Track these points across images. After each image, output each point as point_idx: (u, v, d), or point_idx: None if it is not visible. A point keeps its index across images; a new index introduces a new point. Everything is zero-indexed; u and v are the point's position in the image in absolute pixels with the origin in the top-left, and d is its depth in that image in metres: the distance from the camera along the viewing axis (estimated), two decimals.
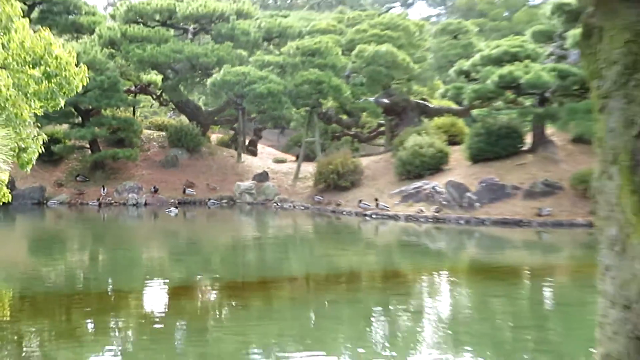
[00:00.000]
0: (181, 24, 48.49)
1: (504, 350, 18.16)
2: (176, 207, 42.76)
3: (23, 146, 20.43)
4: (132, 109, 49.53)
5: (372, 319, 22.07)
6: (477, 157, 40.29)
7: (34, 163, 19.17)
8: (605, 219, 4.88)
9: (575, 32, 34.67)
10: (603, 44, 4.83)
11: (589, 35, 4.91)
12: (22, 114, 19.92)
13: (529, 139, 41.82)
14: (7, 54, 19.22)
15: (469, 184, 38.52)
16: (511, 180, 38.15)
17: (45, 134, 19.92)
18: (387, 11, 76.57)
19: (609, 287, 4.85)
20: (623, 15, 4.74)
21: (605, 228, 4.88)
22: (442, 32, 54.50)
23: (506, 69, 39.36)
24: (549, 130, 41.52)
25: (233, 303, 23.94)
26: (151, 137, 48.12)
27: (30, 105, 20.06)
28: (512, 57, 40.68)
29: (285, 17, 56.53)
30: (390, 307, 23.57)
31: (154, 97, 50.49)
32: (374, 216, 39.31)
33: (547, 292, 25.11)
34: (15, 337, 19.23)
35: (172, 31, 47.84)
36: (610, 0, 4.78)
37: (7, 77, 19.46)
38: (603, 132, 4.89)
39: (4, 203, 17.46)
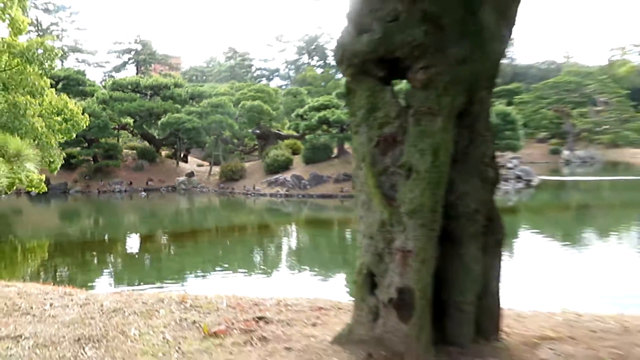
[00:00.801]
0: (143, 90, 47.30)
1: (325, 266, 18.42)
2: (144, 192, 42.10)
3: (52, 160, 20.06)
4: (117, 138, 48.05)
5: (254, 251, 22.12)
6: (308, 161, 40.39)
7: (58, 169, 19.11)
8: (359, 191, 4.96)
9: None
10: (356, 98, 4.90)
11: (349, 93, 4.98)
12: (51, 142, 19.66)
13: (335, 151, 42.15)
14: (42, 108, 19.25)
15: (304, 175, 38.69)
16: (326, 173, 38.48)
17: (66, 153, 20.14)
18: (258, 82, 75.98)
19: (362, 227, 4.94)
20: (364, 82, 4.81)
21: (360, 196, 4.96)
22: (287, 93, 54.73)
23: (322, 113, 39.75)
24: (346, 145, 42.07)
25: (176, 244, 23.68)
26: (128, 154, 46.95)
27: (55, 137, 19.83)
28: (325, 107, 41.01)
29: (202, 86, 55.89)
30: (263, 244, 23.66)
31: (129, 131, 49.21)
32: (252, 195, 39.16)
33: (347, 233, 25.48)
34: (51, 268, 18.78)
35: (138, 94, 46.61)
36: (357, 75, 4.85)
37: (42, 121, 19.19)
38: (357, 145, 4.97)
39: (43, 192, 17.44)
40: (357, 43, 4.76)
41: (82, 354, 4.66)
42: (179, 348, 4.85)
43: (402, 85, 5.41)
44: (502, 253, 5.34)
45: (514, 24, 5.11)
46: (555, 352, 4.90)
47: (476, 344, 4.96)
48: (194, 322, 5.60)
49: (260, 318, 5.74)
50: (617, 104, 65.64)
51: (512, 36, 5.22)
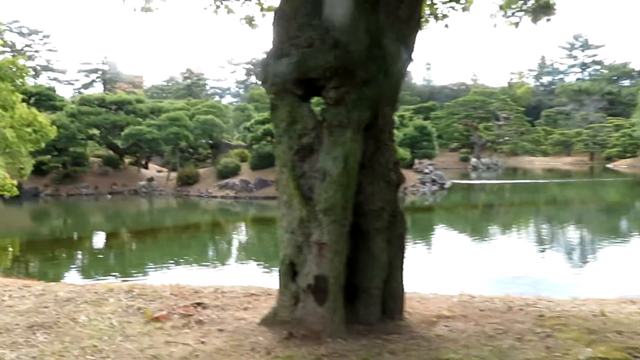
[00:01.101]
0: (108, 105, 45.93)
1: (269, 257, 18.19)
2: (109, 195, 40.93)
3: (22, 167, 19.50)
4: (84, 147, 46.46)
5: (208, 245, 21.85)
6: (254, 167, 39.49)
7: (30, 175, 18.65)
8: (282, 192, 4.97)
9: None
10: (278, 112, 4.91)
11: (273, 108, 4.98)
12: (21, 151, 19.11)
13: None
14: (13, 120, 18.76)
15: (251, 179, 38.11)
16: (270, 177, 37.78)
17: (37, 161, 19.67)
18: (212, 99, 74.99)
19: (284, 223, 4.95)
20: (285, 99, 4.82)
21: (282, 197, 4.97)
22: (236, 109, 54.38)
23: (266, 126, 38.92)
24: None
25: (137, 241, 23.20)
26: (94, 161, 45.38)
27: (25, 146, 19.28)
28: (269, 120, 39.72)
29: (161, 102, 54.77)
30: (216, 239, 23.40)
31: (95, 141, 47.57)
32: (205, 197, 38.51)
33: None
34: (23, 263, 18.22)
35: (103, 109, 45.26)
36: (279, 92, 4.86)
37: (13, 132, 18.63)
38: (280, 152, 4.97)
39: (15, 196, 16.94)
40: (278, 65, 4.79)
41: (33, 339, 4.53)
42: (123, 332, 4.76)
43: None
44: (405, 244, 5.44)
45: (413, 50, 5.22)
46: (449, 329, 5.01)
47: (383, 322, 5.04)
48: (139, 308, 5.50)
49: (198, 304, 5.68)
50: (515, 119, 67.51)
51: (412, 59, 5.33)
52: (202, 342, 4.56)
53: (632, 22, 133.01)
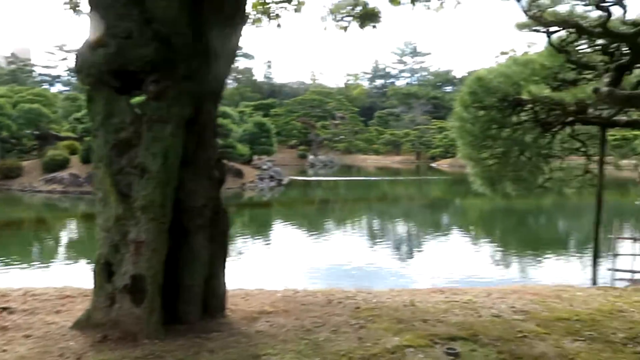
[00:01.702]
0: None
1: (94, 256, 17.19)
2: None
3: None
4: None
5: (28, 244, 20.10)
6: (86, 160, 36.61)
7: None
8: (97, 188, 4.73)
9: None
10: (94, 105, 4.66)
11: (89, 100, 4.71)
12: None
13: None
14: None
15: (82, 173, 35.85)
16: None
17: None
18: (40, 87, 69.57)
19: (100, 221, 4.71)
20: (102, 91, 4.60)
21: (99, 193, 4.73)
22: (66, 98, 50.64)
23: None
24: None
25: None
26: None
27: None
28: None
29: None
30: (39, 237, 21.69)
31: None
32: (29, 191, 35.56)
33: None
34: None
35: None
36: (95, 84, 4.61)
37: None
38: (95, 147, 4.74)
39: None
40: (94, 55, 4.54)
41: None
42: None
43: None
44: (228, 242, 5.42)
45: (237, 46, 5.21)
46: (270, 324, 5.08)
47: (203, 321, 4.99)
48: None
49: (4, 309, 5.24)
50: (350, 119, 70.44)
51: (236, 56, 5.32)
52: (4, 351, 4.20)
53: (455, 33, 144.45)
